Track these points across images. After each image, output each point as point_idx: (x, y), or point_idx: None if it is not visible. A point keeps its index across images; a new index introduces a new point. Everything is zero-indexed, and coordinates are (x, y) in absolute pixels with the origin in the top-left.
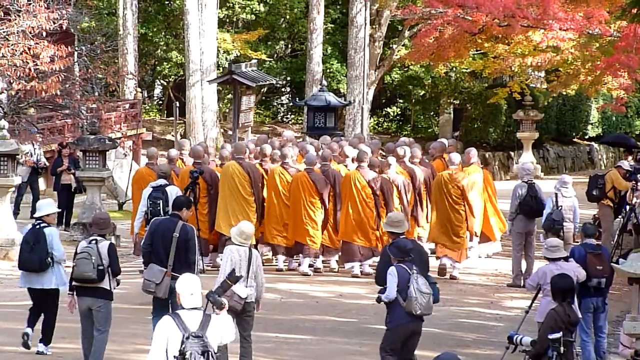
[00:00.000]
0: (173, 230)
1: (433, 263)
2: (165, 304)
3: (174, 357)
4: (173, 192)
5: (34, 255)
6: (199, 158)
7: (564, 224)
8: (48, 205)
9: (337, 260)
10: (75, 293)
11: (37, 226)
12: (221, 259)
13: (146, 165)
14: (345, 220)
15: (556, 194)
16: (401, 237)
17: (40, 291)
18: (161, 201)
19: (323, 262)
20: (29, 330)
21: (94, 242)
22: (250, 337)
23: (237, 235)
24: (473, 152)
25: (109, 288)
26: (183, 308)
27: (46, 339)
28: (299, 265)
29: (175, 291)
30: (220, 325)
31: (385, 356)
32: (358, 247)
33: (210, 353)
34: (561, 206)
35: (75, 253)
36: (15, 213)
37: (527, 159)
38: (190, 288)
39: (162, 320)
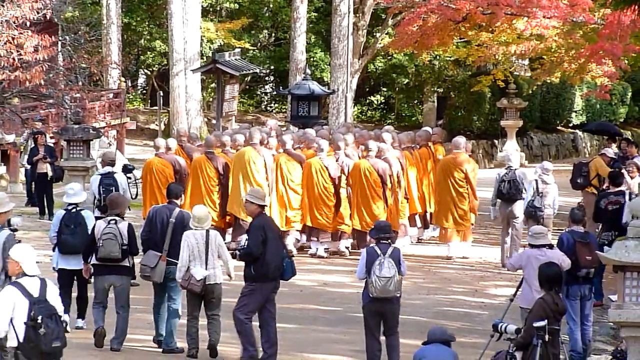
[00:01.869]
0: (169, 216)
1: (437, 250)
2: (162, 288)
3: (24, 323)
4: (122, 180)
5: (76, 238)
6: (211, 147)
7: (544, 210)
8: (81, 192)
9: (347, 247)
10: (96, 272)
11: (73, 210)
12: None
13: (157, 155)
14: (356, 209)
15: (537, 180)
16: (263, 212)
17: (79, 270)
18: (113, 188)
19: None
20: (66, 317)
21: (113, 222)
22: (217, 316)
23: (192, 220)
24: (462, 140)
25: (129, 265)
26: (26, 275)
27: (82, 313)
28: (316, 250)
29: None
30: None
31: (366, 334)
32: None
33: (56, 316)
34: (542, 193)
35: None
36: (30, 201)
37: (511, 147)
38: (31, 256)
39: (6, 290)
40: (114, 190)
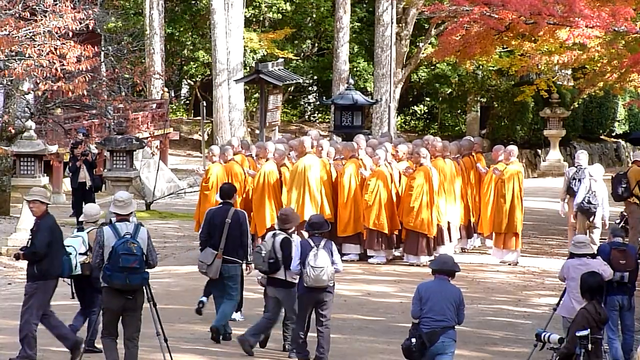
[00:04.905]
0: (225, 217)
1: (480, 259)
2: (217, 284)
3: None
4: None
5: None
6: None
7: (597, 209)
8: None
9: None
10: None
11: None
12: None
13: (232, 161)
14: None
15: (589, 179)
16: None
17: None
18: None
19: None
20: (204, 298)
21: (272, 236)
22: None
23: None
24: (513, 150)
25: (284, 278)
26: None
27: (239, 307)
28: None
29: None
30: None
31: (296, 320)
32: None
33: None
34: (594, 191)
35: None
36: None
37: (554, 156)
38: None
39: None
40: None
